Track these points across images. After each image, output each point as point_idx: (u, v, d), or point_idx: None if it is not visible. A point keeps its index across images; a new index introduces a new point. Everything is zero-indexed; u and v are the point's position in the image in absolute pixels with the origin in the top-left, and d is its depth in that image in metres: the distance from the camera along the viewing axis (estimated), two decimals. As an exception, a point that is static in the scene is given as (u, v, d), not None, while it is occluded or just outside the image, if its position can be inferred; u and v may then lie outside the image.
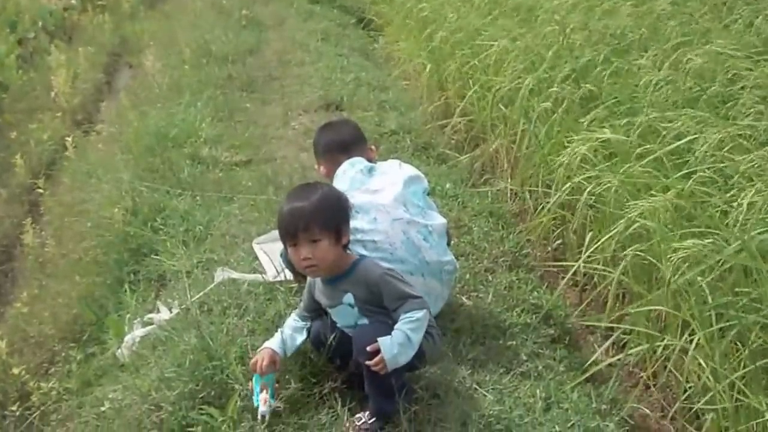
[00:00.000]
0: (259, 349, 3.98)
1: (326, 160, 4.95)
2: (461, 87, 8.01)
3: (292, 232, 3.83)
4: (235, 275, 5.13)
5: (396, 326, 3.74)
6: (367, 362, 3.66)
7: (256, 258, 5.28)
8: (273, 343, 3.99)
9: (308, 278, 4.11)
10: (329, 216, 3.85)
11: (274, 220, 5.48)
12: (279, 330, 4.09)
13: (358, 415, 3.84)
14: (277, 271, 4.95)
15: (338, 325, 4.06)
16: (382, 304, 3.87)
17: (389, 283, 3.87)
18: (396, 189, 4.57)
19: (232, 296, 4.85)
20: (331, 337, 4.00)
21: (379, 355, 3.64)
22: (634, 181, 5.05)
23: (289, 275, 4.86)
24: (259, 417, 3.81)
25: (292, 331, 4.09)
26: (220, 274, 5.11)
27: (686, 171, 4.93)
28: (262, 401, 3.82)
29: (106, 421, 4.40)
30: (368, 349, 3.65)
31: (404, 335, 3.70)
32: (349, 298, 3.93)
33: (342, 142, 4.93)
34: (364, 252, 4.24)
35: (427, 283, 4.44)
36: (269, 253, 5.12)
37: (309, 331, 4.12)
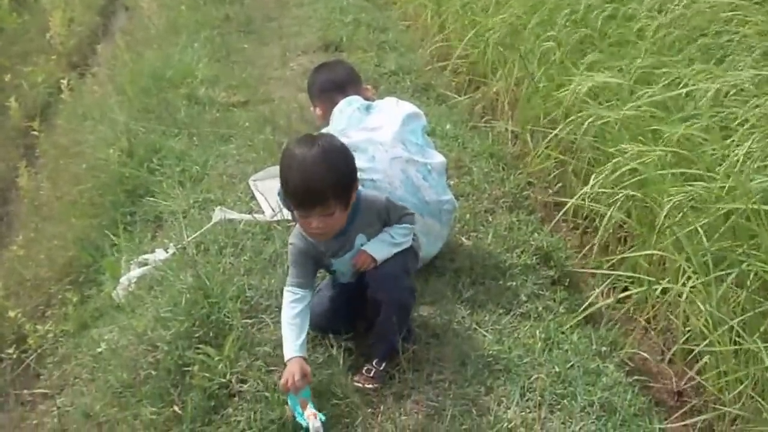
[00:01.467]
0: (286, 360, 3.69)
1: (322, 100, 4.90)
2: (462, 28, 7.91)
3: (307, 206, 3.67)
4: (233, 215, 5.08)
5: (387, 230, 3.91)
6: (361, 267, 3.85)
7: (254, 197, 5.22)
8: (293, 348, 3.70)
9: (295, 244, 3.91)
10: (344, 187, 3.72)
11: (272, 160, 5.48)
12: (287, 325, 3.78)
13: (366, 367, 3.82)
14: (273, 210, 4.89)
15: (339, 274, 4.04)
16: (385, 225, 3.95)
17: (394, 204, 3.95)
18: (395, 127, 4.51)
19: (228, 236, 4.81)
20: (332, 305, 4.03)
21: (361, 256, 3.82)
22: (633, 121, 5.02)
23: (287, 214, 4.81)
24: None
25: (300, 318, 3.79)
26: (218, 214, 5.06)
27: (684, 114, 4.90)
28: (311, 417, 3.55)
29: (103, 362, 4.38)
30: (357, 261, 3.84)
31: (386, 237, 3.90)
32: (361, 238, 3.88)
33: (337, 82, 4.88)
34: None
35: (426, 223, 4.41)
36: (266, 190, 5.08)
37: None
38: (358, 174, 4.08)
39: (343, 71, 5.00)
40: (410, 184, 4.38)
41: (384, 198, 3.96)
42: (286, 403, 3.65)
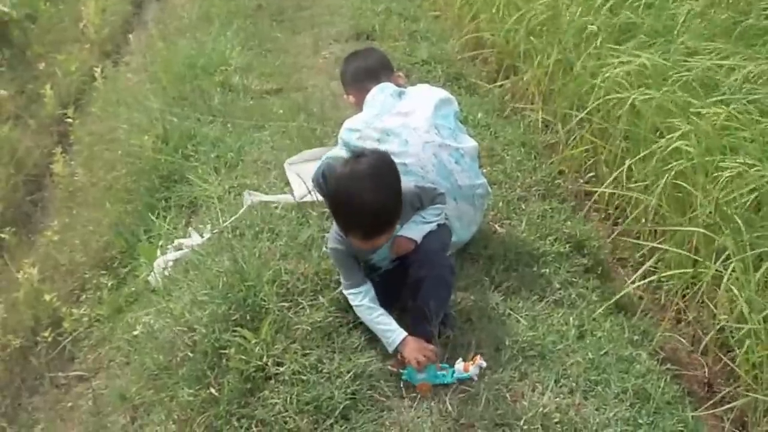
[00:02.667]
0: (396, 345, 3.80)
1: (355, 88, 4.90)
2: (493, 17, 7.91)
3: (374, 236, 3.70)
4: (263, 197, 5.12)
5: (420, 212, 3.99)
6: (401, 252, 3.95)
7: (288, 183, 5.24)
8: (397, 329, 3.81)
9: (335, 248, 3.95)
10: (401, 211, 3.79)
11: (306, 146, 5.52)
12: (375, 318, 3.87)
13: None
14: (308, 189, 4.91)
15: (379, 265, 4.10)
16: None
17: (424, 189, 4.03)
18: (427, 112, 4.52)
19: (264, 220, 4.83)
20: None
21: (398, 242, 3.92)
22: (669, 102, 5.02)
23: (318, 196, 4.86)
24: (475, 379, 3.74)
25: (378, 306, 3.91)
26: (248, 198, 5.10)
27: (719, 97, 4.90)
28: (464, 369, 3.72)
29: (139, 345, 4.44)
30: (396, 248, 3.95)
31: (419, 218, 3.99)
32: (396, 229, 3.90)
33: (369, 69, 4.90)
34: None
35: (459, 207, 4.43)
36: (300, 173, 5.10)
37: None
38: (392, 157, 4.14)
39: (375, 59, 5.01)
40: (443, 168, 4.39)
41: (412, 186, 3.99)
42: (415, 383, 3.75)
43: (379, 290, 3.98)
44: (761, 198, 4.34)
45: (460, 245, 4.56)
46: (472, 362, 3.73)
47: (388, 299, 3.99)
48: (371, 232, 3.68)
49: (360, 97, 4.77)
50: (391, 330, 3.81)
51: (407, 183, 3.93)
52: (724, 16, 5.75)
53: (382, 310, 3.88)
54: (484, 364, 3.71)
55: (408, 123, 4.46)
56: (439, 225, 4.02)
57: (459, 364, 3.75)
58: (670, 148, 4.76)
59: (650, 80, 5.36)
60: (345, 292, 3.98)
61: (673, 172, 4.73)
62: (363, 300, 3.90)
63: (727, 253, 4.18)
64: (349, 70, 5.01)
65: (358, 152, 3.89)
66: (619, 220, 5.44)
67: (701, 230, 4.45)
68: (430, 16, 9.37)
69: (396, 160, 4.13)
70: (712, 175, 4.47)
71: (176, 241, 5.13)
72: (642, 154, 4.96)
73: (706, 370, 4.45)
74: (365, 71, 4.90)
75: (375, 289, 3.96)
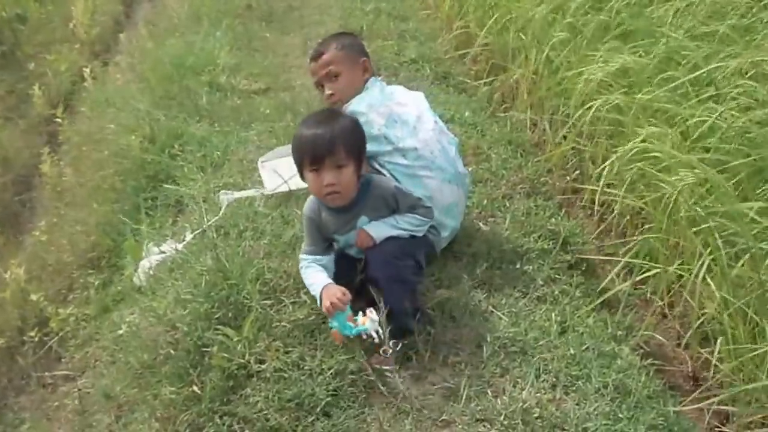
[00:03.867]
0: (319, 293, 3.86)
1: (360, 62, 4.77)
2: (481, 16, 7.93)
3: (317, 156, 3.80)
4: (237, 194, 5.17)
5: (395, 216, 4.01)
6: (359, 245, 3.98)
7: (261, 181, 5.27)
8: (323, 279, 3.91)
9: (306, 215, 4.06)
10: (354, 141, 3.89)
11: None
12: (310, 272, 3.98)
13: (383, 348, 3.79)
14: (274, 184, 4.94)
15: (345, 250, 4.13)
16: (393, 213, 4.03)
17: (404, 193, 4.02)
18: (423, 105, 4.62)
19: (248, 219, 4.85)
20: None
21: (361, 234, 3.96)
22: (652, 105, 5.04)
23: (286, 187, 4.95)
24: (375, 336, 3.74)
25: (319, 267, 4.00)
26: (224, 198, 5.13)
27: (707, 95, 4.92)
28: (367, 319, 3.74)
29: (124, 344, 4.44)
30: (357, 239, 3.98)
31: (391, 221, 4.00)
32: (363, 221, 3.98)
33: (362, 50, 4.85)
34: (404, 161, 4.32)
35: (459, 194, 4.52)
36: (276, 168, 5.12)
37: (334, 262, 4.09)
38: (401, 144, 4.28)
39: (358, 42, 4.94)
40: (447, 154, 4.45)
41: (393, 185, 4.05)
42: (331, 329, 3.83)
43: (345, 271, 4.05)
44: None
45: (456, 232, 4.61)
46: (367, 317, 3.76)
47: (352, 285, 3.99)
48: (313, 161, 3.82)
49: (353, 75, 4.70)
50: (317, 284, 3.89)
51: (388, 182, 4.05)
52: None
53: (319, 269, 3.97)
54: (376, 318, 3.70)
55: (410, 111, 4.50)
56: (413, 237, 4.04)
57: (360, 317, 3.77)
58: (635, 149, 4.80)
59: (633, 85, 5.39)
60: (300, 257, 4.08)
61: (634, 170, 4.79)
62: (310, 264, 4.00)
63: (709, 249, 4.19)
64: (348, 44, 4.80)
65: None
66: (605, 216, 5.45)
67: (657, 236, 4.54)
68: (419, 16, 9.41)
69: (405, 145, 4.31)
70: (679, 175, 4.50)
71: (154, 247, 5.12)
72: (620, 158, 4.97)
73: (689, 364, 4.46)
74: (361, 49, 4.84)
75: (341, 266, 4.05)
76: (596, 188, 5.03)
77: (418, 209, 4.05)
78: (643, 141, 4.75)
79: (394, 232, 3.96)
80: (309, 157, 3.84)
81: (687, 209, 4.34)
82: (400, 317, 3.81)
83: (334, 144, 3.79)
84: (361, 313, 3.77)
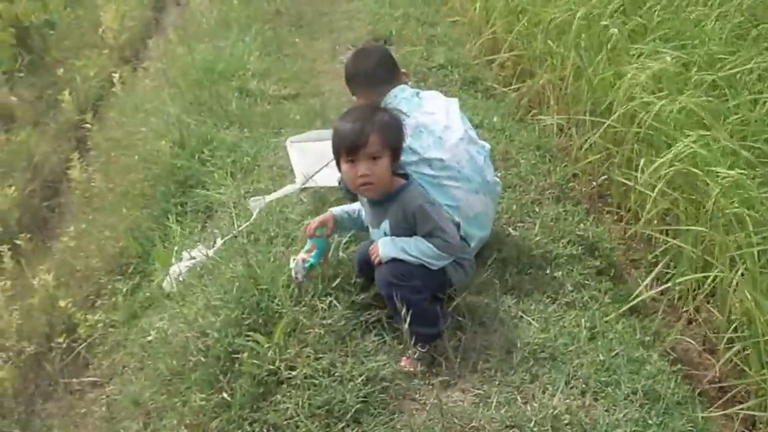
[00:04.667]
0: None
1: (369, 91, 4.69)
2: (510, 22, 7.93)
3: (352, 147, 3.85)
4: (268, 197, 5.19)
5: (414, 238, 3.96)
6: (373, 258, 3.98)
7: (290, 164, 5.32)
8: (333, 209, 4.30)
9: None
10: (391, 134, 3.92)
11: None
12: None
13: (411, 350, 3.81)
14: (305, 176, 4.97)
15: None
16: (412, 233, 3.97)
17: (425, 215, 3.92)
18: (453, 112, 4.62)
19: (279, 226, 4.87)
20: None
21: (373, 246, 3.99)
22: (689, 108, 5.01)
23: (318, 182, 4.99)
24: (293, 275, 3.99)
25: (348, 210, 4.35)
26: (255, 204, 5.14)
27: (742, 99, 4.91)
28: (298, 260, 4.02)
29: (152, 350, 4.45)
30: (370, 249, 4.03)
31: (404, 243, 3.92)
32: (385, 225, 3.99)
33: (381, 71, 4.74)
34: (431, 172, 4.29)
35: (487, 203, 4.50)
36: (304, 150, 5.14)
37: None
38: (428, 154, 4.29)
39: (382, 58, 4.83)
40: (474, 164, 4.44)
41: (419, 204, 3.94)
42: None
43: None
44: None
45: (485, 240, 4.60)
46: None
47: None
48: (348, 152, 3.88)
49: (369, 100, 4.70)
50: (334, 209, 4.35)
51: (418, 199, 3.97)
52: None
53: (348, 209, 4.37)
54: (293, 264, 4.07)
55: (438, 120, 4.50)
56: (424, 266, 3.91)
57: (301, 254, 4.13)
58: (683, 153, 4.76)
59: (665, 89, 5.36)
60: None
61: (671, 172, 4.76)
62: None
63: (740, 253, 4.18)
64: (359, 74, 4.80)
65: None
66: (632, 222, 5.44)
67: (705, 230, 4.50)
68: (447, 21, 9.41)
69: (432, 155, 4.31)
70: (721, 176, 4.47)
71: (190, 252, 5.13)
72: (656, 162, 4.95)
73: (717, 370, 4.44)
74: (377, 74, 4.75)
75: None
76: (630, 188, 5.01)
77: (434, 239, 3.90)
78: (694, 141, 4.71)
79: (401, 256, 3.88)
80: (345, 148, 3.88)
81: (726, 208, 4.31)
82: (427, 326, 3.84)
83: (370, 135, 3.82)
84: (314, 254, 4.13)
